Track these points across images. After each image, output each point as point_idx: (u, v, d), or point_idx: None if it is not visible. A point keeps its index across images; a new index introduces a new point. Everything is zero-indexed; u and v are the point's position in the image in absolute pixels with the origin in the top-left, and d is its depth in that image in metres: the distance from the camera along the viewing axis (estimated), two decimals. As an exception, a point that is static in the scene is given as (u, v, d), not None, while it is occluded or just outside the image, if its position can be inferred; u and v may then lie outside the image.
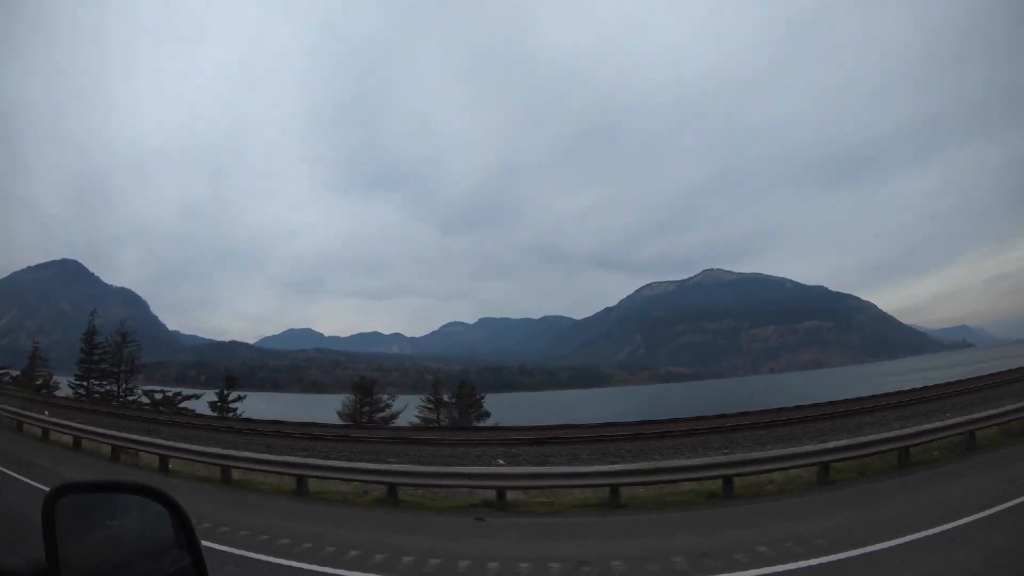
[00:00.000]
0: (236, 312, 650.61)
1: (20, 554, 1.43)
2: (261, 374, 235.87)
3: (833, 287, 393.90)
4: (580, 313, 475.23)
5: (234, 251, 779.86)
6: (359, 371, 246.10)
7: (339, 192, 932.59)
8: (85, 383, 41.55)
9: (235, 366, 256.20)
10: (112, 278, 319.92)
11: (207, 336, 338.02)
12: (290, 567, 6.33)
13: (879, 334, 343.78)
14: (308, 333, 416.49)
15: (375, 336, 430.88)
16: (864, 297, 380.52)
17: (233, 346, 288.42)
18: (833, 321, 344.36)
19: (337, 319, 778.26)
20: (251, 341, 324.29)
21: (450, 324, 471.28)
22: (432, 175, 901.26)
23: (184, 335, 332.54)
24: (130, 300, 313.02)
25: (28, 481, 10.51)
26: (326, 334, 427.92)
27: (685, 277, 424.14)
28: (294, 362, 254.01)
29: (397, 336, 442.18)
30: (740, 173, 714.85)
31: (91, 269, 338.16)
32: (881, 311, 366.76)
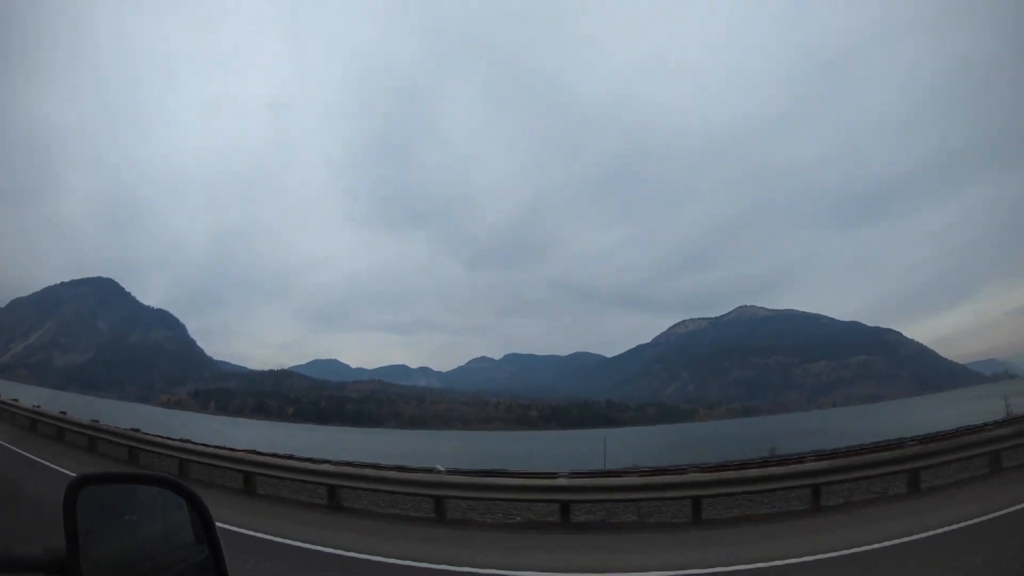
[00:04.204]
0: (257, 339, 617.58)
1: (40, 543, 1.38)
2: (347, 408, 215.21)
3: (865, 321, 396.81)
4: (608, 350, 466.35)
5: (259, 279, 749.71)
6: (451, 407, 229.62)
7: (366, 226, 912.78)
8: None
9: (310, 398, 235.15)
10: (144, 299, 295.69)
11: (235, 362, 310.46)
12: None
13: (924, 367, 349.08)
14: (335, 364, 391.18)
15: (403, 369, 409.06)
16: (897, 331, 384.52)
17: (283, 375, 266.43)
18: (881, 355, 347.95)
19: (359, 351, 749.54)
20: (280, 368, 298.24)
21: (477, 359, 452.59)
22: (459, 212, 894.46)
23: (216, 360, 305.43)
24: (168, 321, 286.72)
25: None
26: (352, 365, 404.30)
27: (718, 314, 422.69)
28: (362, 394, 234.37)
29: (424, 370, 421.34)
30: (764, 211, 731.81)
31: (127, 288, 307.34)
32: (922, 345, 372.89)
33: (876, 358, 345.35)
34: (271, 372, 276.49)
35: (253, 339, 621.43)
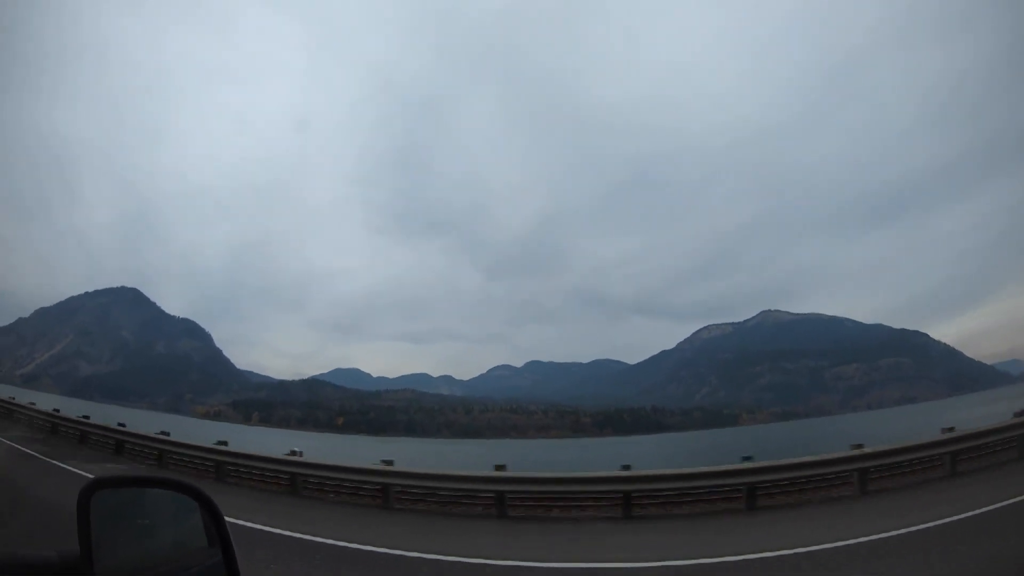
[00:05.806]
0: (275, 348, 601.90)
1: (54, 546, 1.39)
2: (398, 417, 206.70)
3: (889, 323, 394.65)
4: (630, 357, 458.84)
5: (276, 288, 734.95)
6: (502, 416, 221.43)
7: (383, 235, 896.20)
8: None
9: (354, 408, 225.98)
10: (168, 310, 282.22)
11: (260, 372, 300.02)
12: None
13: (954, 369, 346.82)
14: (357, 373, 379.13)
15: (424, 377, 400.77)
16: (924, 332, 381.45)
17: (314, 384, 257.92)
18: (910, 357, 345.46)
19: (377, 360, 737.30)
20: (301, 378, 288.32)
21: (498, 367, 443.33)
22: (477, 220, 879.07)
23: (242, 370, 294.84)
24: (194, 332, 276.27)
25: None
26: (374, 374, 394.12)
27: (742, 319, 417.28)
28: (400, 403, 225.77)
29: (446, 378, 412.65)
30: (781, 216, 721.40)
31: (151, 298, 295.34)
32: (950, 346, 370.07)
33: (905, 360, 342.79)
34: (301, 381, 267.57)
35: (271, 348, 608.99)
